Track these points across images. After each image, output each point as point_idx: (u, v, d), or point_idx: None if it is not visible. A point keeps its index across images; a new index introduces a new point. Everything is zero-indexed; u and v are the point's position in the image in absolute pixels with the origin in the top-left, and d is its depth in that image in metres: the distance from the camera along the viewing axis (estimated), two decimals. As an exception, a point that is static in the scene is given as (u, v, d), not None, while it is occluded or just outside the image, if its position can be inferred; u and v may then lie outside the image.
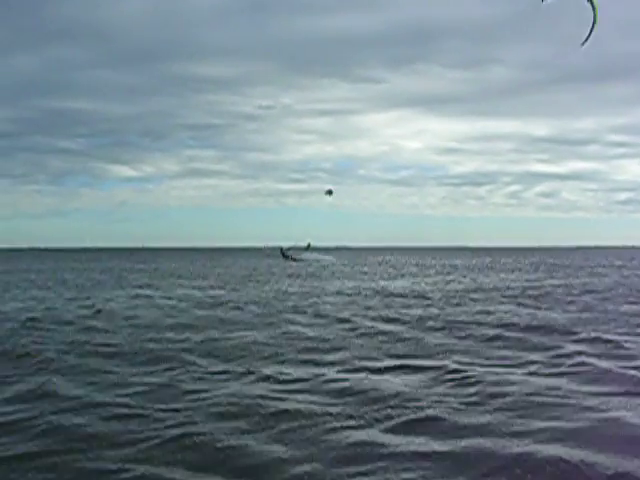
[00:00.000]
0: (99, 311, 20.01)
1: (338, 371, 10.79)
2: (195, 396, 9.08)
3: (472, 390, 9.30)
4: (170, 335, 14.93)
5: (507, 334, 14.76)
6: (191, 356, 12.19)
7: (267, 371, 10.70)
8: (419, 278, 40.83)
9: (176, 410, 8.30)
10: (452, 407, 8.43)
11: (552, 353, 12.37)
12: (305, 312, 19.77)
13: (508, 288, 30.34)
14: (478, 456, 6.58)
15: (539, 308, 20.73)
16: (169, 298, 25.23)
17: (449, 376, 10.22)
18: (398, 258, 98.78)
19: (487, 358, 12.03)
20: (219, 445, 6.93)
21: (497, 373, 10.46)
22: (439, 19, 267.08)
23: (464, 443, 6.96)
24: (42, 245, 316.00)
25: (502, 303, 22.61)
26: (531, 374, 10.52)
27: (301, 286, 32.71)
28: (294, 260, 72.78)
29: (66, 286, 34.08)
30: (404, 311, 19.89)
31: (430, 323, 16.89)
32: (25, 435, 7.35)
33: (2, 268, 64.23)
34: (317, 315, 18.97)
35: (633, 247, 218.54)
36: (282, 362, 11.70)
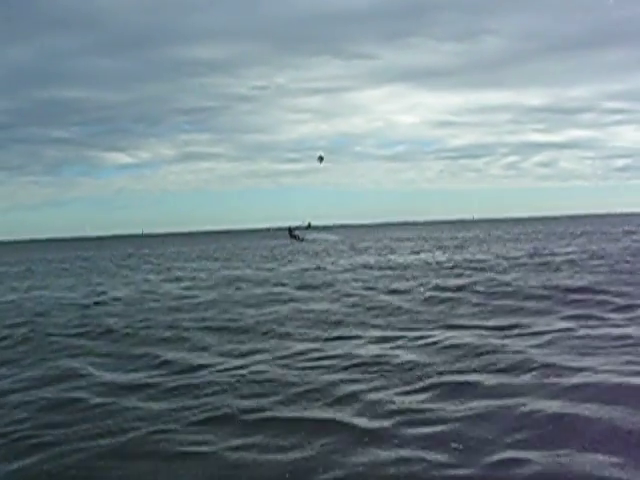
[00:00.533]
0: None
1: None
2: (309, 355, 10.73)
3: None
4: (264, 310, 16.41)
5: None
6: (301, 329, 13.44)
7: (376, 333, 12.27)
8: (451, 250, 42.44)
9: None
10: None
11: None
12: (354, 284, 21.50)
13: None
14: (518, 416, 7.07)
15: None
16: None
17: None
18: (400, 235, 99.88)
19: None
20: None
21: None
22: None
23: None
24: (42, 236, 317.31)
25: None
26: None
27: (334, 263, 34.24)
28: (301, 240, 73.93)
29: (121, 272, 35.34)
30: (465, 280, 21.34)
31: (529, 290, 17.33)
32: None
33: (16, 259, 65.90)
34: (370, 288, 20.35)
35: (632, 214, 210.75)
36: (374, 327, 13.12)
